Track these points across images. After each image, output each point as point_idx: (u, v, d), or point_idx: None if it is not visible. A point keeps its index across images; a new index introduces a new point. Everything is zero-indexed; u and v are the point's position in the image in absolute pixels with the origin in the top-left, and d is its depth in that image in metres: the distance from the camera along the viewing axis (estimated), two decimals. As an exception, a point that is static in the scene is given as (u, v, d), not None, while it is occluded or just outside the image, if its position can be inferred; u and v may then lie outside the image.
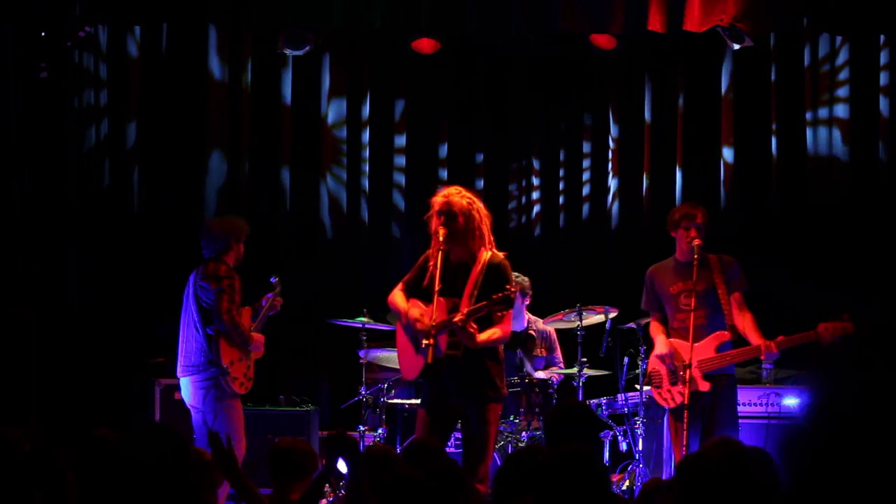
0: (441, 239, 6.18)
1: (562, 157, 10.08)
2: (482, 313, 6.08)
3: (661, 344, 7.12)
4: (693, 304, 6.94)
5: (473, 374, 6.19)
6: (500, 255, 6.34)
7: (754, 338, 6.89)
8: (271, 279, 7.50)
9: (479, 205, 6.33)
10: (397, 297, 6.43)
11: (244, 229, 7.30)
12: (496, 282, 6.19)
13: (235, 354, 7.13)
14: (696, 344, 6.89)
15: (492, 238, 6.34)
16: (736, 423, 7.03)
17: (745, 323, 6.97)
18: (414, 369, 6.33)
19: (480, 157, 10.09)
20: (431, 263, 6.27)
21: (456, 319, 6.01)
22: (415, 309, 6.26)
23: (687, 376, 6.84)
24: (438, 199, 6.29)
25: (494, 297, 6.04)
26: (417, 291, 6.37)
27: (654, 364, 7.15)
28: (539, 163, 10.12)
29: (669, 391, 7.04)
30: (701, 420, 6.91)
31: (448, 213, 6.23)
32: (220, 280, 7.06)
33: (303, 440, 5.45)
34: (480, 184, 10.00)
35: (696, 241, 7.01)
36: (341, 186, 9.89)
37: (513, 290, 6.06)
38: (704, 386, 6.88)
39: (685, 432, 6.89)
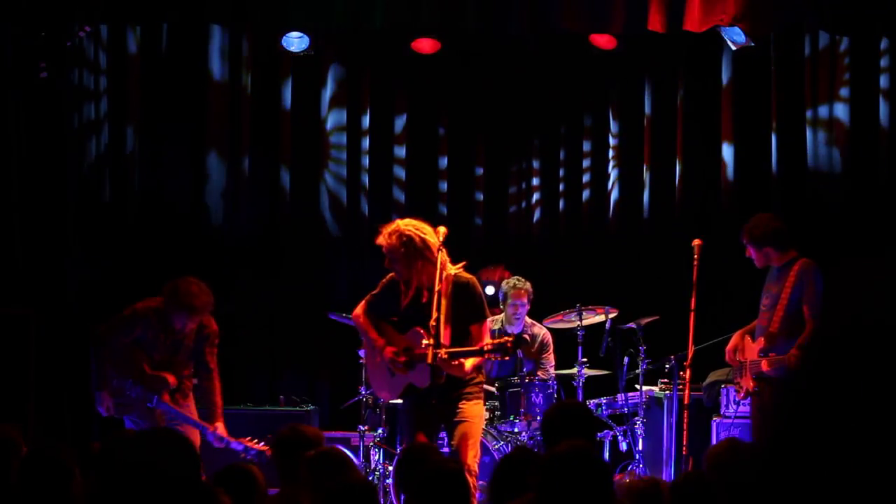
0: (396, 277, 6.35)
1: (562, 156, 10.07)
2: (469, 357, 6.12)
3: (732, 339, 7.35)
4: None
5: (454, 381, 6.25)
6: (466, 273, 6.34)
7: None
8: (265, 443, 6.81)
9: (422, 231, 6.28)
10: (364, 321, 6.53)
11: (177, 306, 6.86)
12: (469, 301, 6.27)
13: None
14: (751, 345, 7.17)
15: (444, 258, 6.23)
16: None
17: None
18: (391, 392, 6.55)
19: (480, 171, 10.08)
20: (402, 288, 6.35)
21: (435, 362, 5.98)
22: (388, 348, 6.36)
23: (746, 373, 7.15)
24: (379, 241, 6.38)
25: (489, 344, 6.07)
26: (384, 313, 6.48)
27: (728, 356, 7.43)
28: (539, 162, 10.10)
29: (738, 382, 7.31)
30: (761, 416, 7.18)
31: (387, 253, 6.33)
32: (131, 309, 7.03)
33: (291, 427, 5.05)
34: (481, 179, 10.01)
35: (695, 241, 7.32)
36: (341, 186, 9.88)
37: (509, 340, 6.00)
38: (751, 384, 7.14)
39: (685, 431, 7.12)
